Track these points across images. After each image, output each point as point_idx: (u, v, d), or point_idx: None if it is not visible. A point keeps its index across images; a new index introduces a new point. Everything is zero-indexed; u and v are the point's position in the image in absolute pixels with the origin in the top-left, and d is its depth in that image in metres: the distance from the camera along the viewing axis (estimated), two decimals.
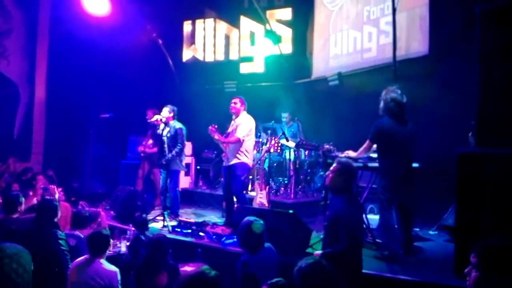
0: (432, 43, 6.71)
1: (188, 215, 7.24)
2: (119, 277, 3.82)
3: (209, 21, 10.10)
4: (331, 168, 3.75)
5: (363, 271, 3.75)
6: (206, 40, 10.15)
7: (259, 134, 7.43)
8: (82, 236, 4.51)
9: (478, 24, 4.23)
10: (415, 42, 7.05)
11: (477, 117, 4.27)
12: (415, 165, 5.01)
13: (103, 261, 3.86)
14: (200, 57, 10.28)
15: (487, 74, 4.17)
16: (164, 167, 6.69)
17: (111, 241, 4.24)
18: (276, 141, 7.50)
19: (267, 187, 6.64)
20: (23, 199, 4.97)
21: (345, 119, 7.35)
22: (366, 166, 5.12)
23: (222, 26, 10.04)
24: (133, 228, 5.65)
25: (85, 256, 3.90)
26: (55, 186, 5.95)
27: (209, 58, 10.18)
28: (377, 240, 5.02)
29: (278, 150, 7.78)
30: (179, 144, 6.72)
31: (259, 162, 7.10)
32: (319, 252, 3.62)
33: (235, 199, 6.40)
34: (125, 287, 3.95)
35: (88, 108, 9.49)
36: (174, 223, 6.28)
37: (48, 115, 10.01)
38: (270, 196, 6.55)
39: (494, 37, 4.15)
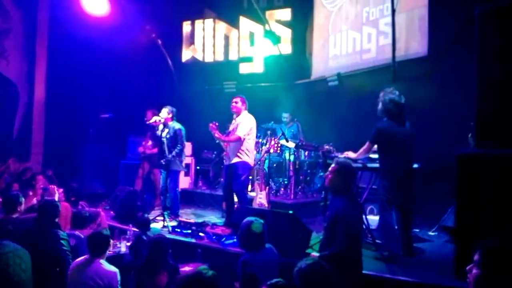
0: (431, 44, 6.72)
1: (188, 215, 7.24)
2: (118, 277, 3.81)
3: (209, 22, 10.11)
4: (330, 168, 3.75)
5: (363, 271, 3.75)
6: (206, 40, 10.16)
7: (258, 134, 7.43)
8: (82, 236, 4.51)
9: (477, 25, 4.24)
10: (414, 43, 7.06)
11: (476, 118, 4.28)
12: (415, 166, 5.01)
13: (103, 261, 3.86)
14: (199, 57, 10.28)
15: (486, 74, 4.18)
16: (164, 168, 6.70)
17: (111, 241, 4.24)
18: (276, 142, 7.51)
19: (267, 187, 6.65)
20: (23, 199, 4.97)
21: (344, 119, 7.36)
22: (366, 166, 5.13)
23: (222, 26, 10.05)
24: (133, 228, 5.65)
25: (85, 256, 3.90)
26: (55, 186, 5.96)
27: (209, 58, 10.19)
28: (377, 241, 5.02)
29: (278, 151, 7.79)
30: (179, 145, 6.73)
31: (259, 162, 7.10)
32: (315, 253, 3.62)
33: (235, 199, 6.40)
34: (126, 287, 3.96)
35: (87, 108, 9.49)
36: (174, 223, 6.28)
37: (48, 115, 10.02)
38: (270, 196, 6.55)
39: (494, 37, 4.16)
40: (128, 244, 5.17)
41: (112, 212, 7.06)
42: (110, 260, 4.07)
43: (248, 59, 9.71)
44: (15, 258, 3.49)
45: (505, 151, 3.95)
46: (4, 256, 3.37)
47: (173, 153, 6.67)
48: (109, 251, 4.17)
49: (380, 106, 4.87)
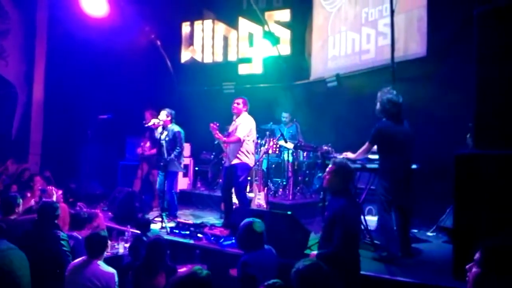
0: (430, 45, 6.72)
1: (186, 216, 7.23)
2: (116, 278, 3.80)
3: (208, 22, 10.11)
4: (327, 169, 3.75)
5: (362, 272, 3.75)
6: (205, 41, 10.16)
7: (257, 135, 7.44)
8: (80, 238, 4.50)
9: (476, 26, 4.24)
10: (413, 44, 7.07)
11: (475, 119, 4.27)
12: (413, 166, 5.01)
13: (100, 262, 3.84)
14: (198, 58, 10.28)
15: (485, 75, 4.18)
16: (162, 169, 6.69)
17: (109, 242, 4.23)
18: (275, 143, 7.50)
19: (266, 188, 6.64)
20: (20, 201, 4.95)
21: (343, 120, 7.36)
22: (365, 167, 5.12)
23: (221, 27, 10.05)
24: (131, 229, 5.64)
25: (83, 257, 3.89)
26: (53, 187, 5.94)
27: (208, 59, 10.19)
28: (376, 242, 5.02)
29: (277, 152, 7.78)
30: (178, 147, 6.73)
31: (257, 163, 7.10)
32: (315, 252, 3.62)
33: (234, 200, 6.39)
34: None
35: (86, 109, 9.48)
36: (172, 224, 6.27)
37: (46, 116, 10.02)
38: (268, 197, 6.55)
39: (492, 38, 4.16)
40: (126, 245, 5.16)
41: (110, 213, 7.05)
42: (109, 261, 4.06)
43: (247, 60, 9.72)
44: (11, 257, 3.52)
45: (503, 152, 3.95)
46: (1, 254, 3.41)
47: (172, 155, 6.67)
48: (107, 252, 4.16)
49: (378, 106, 4.87)
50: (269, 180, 7.49)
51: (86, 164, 9.23)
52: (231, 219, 6.03)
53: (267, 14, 9.31)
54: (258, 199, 6.58)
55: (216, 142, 7.52)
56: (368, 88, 6.47)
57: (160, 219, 6.34)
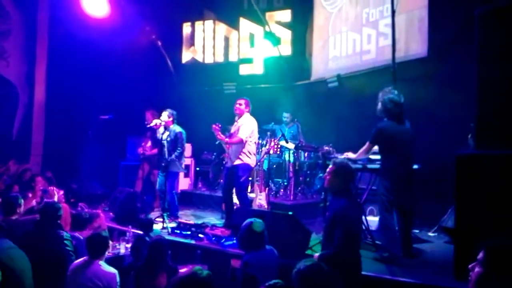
0: (431, 45, 6.72)
1: (187, 216, 7.23)
2: (117, 279, 3.81)
3: (209, 23, 10.12)
4: (327, 170, 3.75)
5: (363, 272, 3.75)
6: (206, 41, 10.16)
7: (258, 136, 7.44)
8: (81, 238, 4.50)
9: (477, 26, 4.24)
10: (414, 44, 7.06)
11: (476, 119, 4.27)
12: (415, 166, 5.00)
13: (102, 262, 3.85)
14: (199, 58, 10.29)
15: (486, 75, 4.18)
16: (163, 169, 6.69)
17: (110, 242, 4.23)
18: (276, 143, 7.50)
19: (267, 188, 6.64)
20: (22, 201, 4.95)
21: (344, 120, 7.36)
22: (366, 167, 5.12)
23: (222, 27, 10.06)
24: (132, 230, 5.65)
25: (84, 257, 3.90)
26: (54, 188, 5.95)
27: (209, 59, 10.19)
28: (377, 242, 5.01)
29: (278, 152, 7.78)
30: (179, 148, 6.73)
31: (258, 163, 7.10)
32: (317, 254, 3.62)
33: (235, 201, 6.39)
34: None
35: (87, 109, 9.48)
36: (173, 224, 6.28)
37: (48, 116, 10.02)
38: (269, 197, 6.54)
39: (493, 38, 4.16)
40: (128, 245, 5.17)
41: (111, 213, 7.05)
42: (110, 261, 4.07)
43: (248, 60, 9.72)
44: (12, 256, 3.56)
45: (504, 152, 3.95)
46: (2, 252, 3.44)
47: (173, 156, 6.67)
48: (108, 252, 4.16)
49: (379, 106, 4.86)
50: (270, 181, 7.49)
51: (87, 165, 9.24)
52: (232, 219, 6.03)
53: (268, 14, 9.31)
54: (259, 199, 6.58)
55: (217, 142, 7.52)
56: (369, 88, 6.47)
57: (161, 219, 6.35)
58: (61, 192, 6.00)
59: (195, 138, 8.48)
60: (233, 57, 9.97)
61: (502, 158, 3.94)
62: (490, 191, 3.89)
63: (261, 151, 7.48)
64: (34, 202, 5.96)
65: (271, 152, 7.38)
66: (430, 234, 5.89)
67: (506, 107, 4.07)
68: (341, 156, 4.85)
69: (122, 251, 5.17)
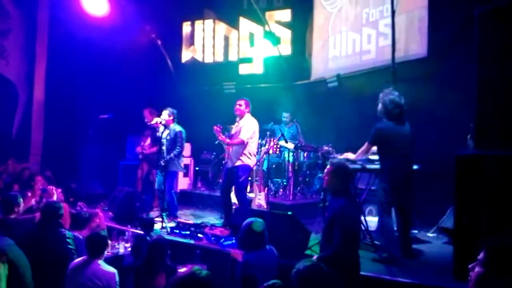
0: (431, 45, 6.71)
1: (186, 216, 7.22)
2: (117, 278, 3.81)
3: (208, 22, 10.11)
4: (325, 170, 3.74)
5: (362, 273, 3.74)
6: (205, 41, 10.16)
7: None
8: (81, 237, 4.50)
9: (477, 26, 4.23)
10: (414, 44, 7.06)
11: (476, 119, 4.27)
12: (414, 167, 5.00)
13: (101, 262, 3.85)
14: (199, 58, 10.28)
15: (486, 75, 4.18)
16: (162, 168, 6.68)
17: (109, 242, 4.23)
18: (275, 143, 7.50)
19: (266, 188, 6.64)
20: (21, 200, 4.95)
21: (344, 120, 7.35)
22: (365, 168, 5.11)
23: (221, 27, 10.05)
24: (131, 229, 5.64)
25: (83, 257, 3.89)
26: (53, 187, 5.94)
27: (208, 59, 10.19)
28: (376, 242, 5.01)
29: (277, 152, 7.76)
30: (178, 147, 6.71)
31: (258, 163, 7.09)
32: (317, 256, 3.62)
33: (234, 201, 6.39)
34: None
35: (87, 109, 9.48)
36: (172, 224, 6.27)
37: (47, 115, 10.01)
38: (268, 197, 6.54)
39: (493, 38, 4.15)
40: (127, 245, 5.16)
41: (110, 213, 7.05)
42: (109, 261, 4.06)
43: (248, 60, 9.72)
44: (14, 253, 3.60)
45: (504, 152, 3.94)
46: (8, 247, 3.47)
47: (172, 154, 6.66)
48: (108, 252, 4.16)
49: (380, 107, 4.85)
50: (269, 181, 7.49)
51: (86, 164, 9.23)
52: (231, 219, 6.03)
53: (267, 14, 9.30)
54: (259, 199, 6.58)
55: (216, 142, 7.51)
56: (369, 88, 6.47)
57: (160, 219, 6.34)
58: (59, 191, 5.99)
59: (195, 137, 8.47)
60: (232, 57, 9.97)
61: (502, 159, 3.93)
62: (490, 191, 3.89)
63: (261, 151, 7.48)
64: (33, 201, 5.95)
65: (271, 152, 7.37)
66: (429, 234, 5.88)
67: (506, 107, 4.07)
68: (340, 157, 4.85)
69: (121, 250, 5.16)
